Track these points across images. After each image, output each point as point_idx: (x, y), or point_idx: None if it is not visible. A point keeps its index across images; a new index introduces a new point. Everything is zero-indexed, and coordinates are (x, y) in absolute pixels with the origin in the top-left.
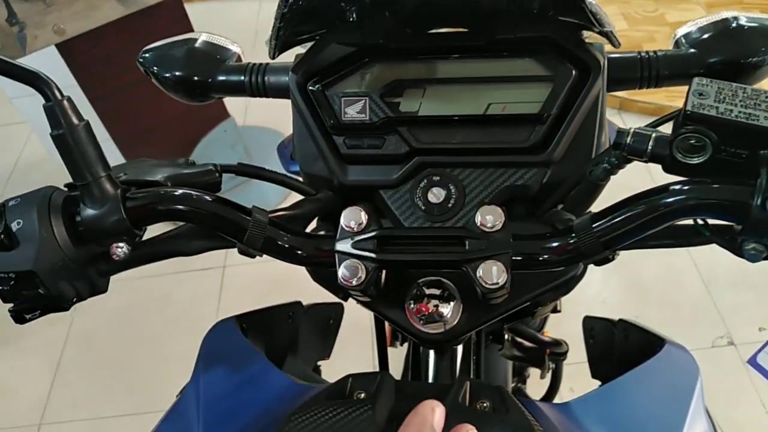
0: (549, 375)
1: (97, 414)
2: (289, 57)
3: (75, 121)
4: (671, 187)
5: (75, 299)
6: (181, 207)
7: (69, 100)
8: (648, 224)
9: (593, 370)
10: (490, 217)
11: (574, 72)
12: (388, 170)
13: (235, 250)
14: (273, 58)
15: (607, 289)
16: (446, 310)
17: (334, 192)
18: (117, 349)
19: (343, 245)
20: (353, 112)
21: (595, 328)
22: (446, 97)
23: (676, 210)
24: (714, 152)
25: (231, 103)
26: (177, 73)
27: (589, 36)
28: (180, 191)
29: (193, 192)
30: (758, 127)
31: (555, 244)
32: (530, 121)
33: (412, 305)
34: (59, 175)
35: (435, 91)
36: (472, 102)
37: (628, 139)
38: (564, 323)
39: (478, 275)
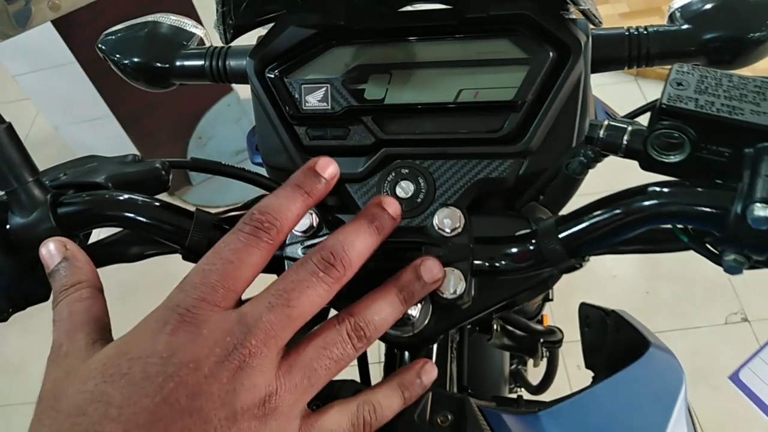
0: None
1: None
2: (252, 39)
3: None
4: (649, 189)
5: (11, 310)
6: (114, 212)
7: None
8: (617, 231)
9: (587, 359)
10: (448, 221)
11: (552, 53)
12: (354, 162)
13: None
14: (226, 43)
15: (619, 265)
16: (414, 312)
17: None
18: (123, 326)
19: (293, 250)
20: (314, 100)
21: (590, 317)
22: (414, 83)
23: (649, 216)
24: (693, 150)
25: None
26: (136, 60)
27: (575, 12)
28: (114, 195)
29: (127, 195)
30: (740, 123)
31: (514, 251)
32: (504, 109)
33: None
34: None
35: (402, 76)
36: (442, 88)
37: (601, 132)
38: (574, 296)
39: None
